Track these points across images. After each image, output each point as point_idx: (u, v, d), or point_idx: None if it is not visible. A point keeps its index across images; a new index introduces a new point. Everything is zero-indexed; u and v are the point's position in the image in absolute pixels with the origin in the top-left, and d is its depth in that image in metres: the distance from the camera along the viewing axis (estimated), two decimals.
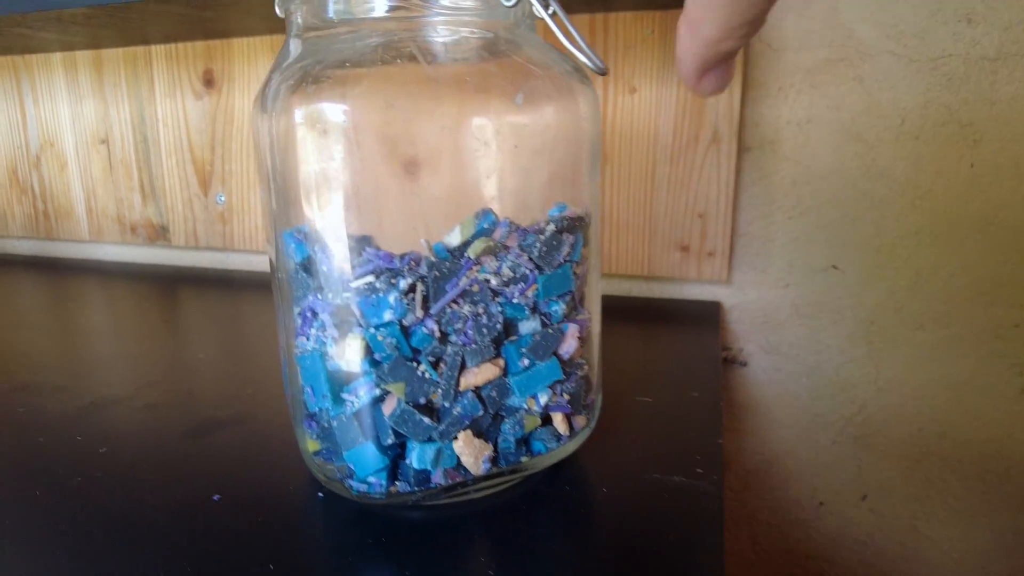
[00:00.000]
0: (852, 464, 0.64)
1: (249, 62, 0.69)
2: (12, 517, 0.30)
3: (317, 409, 0.28)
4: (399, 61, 0.25)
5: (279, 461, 0.34)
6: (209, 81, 0.71)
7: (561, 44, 0.26)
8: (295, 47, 0.27)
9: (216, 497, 0.31)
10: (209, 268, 0.78)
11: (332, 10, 0.26)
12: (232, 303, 0.66)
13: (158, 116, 0.74)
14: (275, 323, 0.31)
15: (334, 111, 0.25)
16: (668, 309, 0.61)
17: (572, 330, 0.30)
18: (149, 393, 0.44)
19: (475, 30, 0.27)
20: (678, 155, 0.59)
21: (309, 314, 0.27)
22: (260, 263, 0.77)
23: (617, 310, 0.60)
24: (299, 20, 0.27)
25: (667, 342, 0.53)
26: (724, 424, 0.44)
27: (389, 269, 0.26)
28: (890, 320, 0.60)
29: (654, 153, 0.59)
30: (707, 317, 0.59)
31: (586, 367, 0.32)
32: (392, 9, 0.25)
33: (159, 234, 0.78)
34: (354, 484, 0.28)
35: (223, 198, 0.73)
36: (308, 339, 0.27)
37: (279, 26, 0.61)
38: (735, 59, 0.21)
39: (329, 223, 0.26)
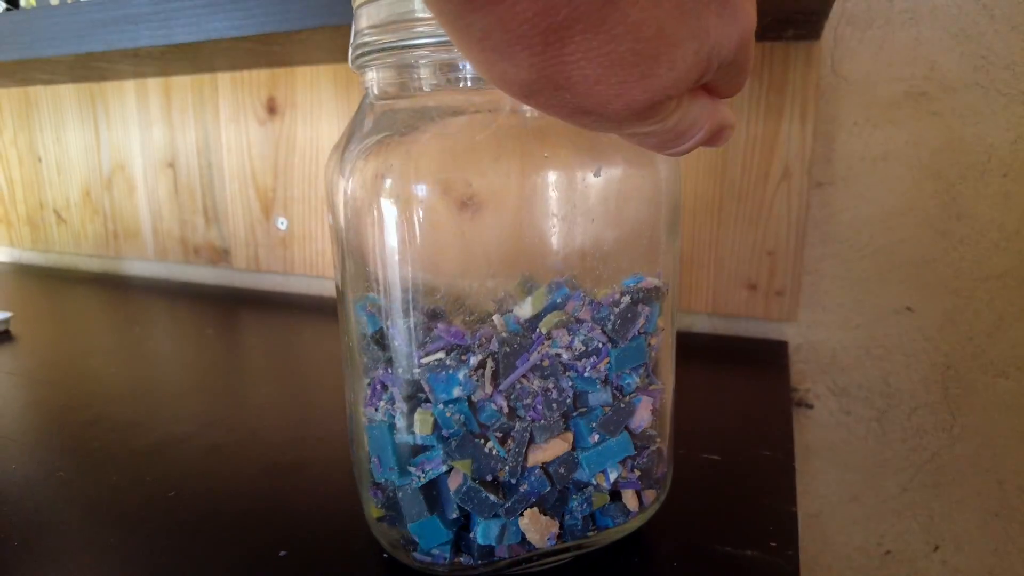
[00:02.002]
0: (923, 513, 0.61)
1: (312, 89, 0.69)
2: (86, 563, 0.30)
3: (383, 479, 0.28)
4: (478, 137, 0.24)
5: (343, 518, 0.34)
6: (272, 108, 0.72)
7: None
8: (374, 110, 0.27)
9: (282, 553, 0.31)
10: (270, 291, 0.79)
11: (415, 77, 0.26)
12: (293, 328, 0.67)
13: (222, 142, 0.75)
14: (337, 351, 0.30)
15: (411, 186, 0.25)
16: (733, 347, 0.59)
17: (645, 403, 0.29)
18: (213, 432, 0.44)
19: None
20: (747, 191, 0.57)
21: (379, 386, 0.27)
22: (320, 287, 0.78)
23: (680, 346, 0.59)
24: (375, 89, 0.27)
25: (734, 385, 0.51)
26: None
27: (459, 346, 0.25)
28: (968, 366, 0.57)
29: (722, 189, 0.57)
30: (774, 357, 0.57)
31: (659, 440, 0.30)
32: (477, 79, 0.25)
33: (221, 256, 0.80)
34: (417, 556, 0.28)
35: (284, 223, 0.74)
36: (377, 410, 0.27)
37: (342, 55, 0.61)
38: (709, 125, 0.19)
39: (401, 298, 0.25)
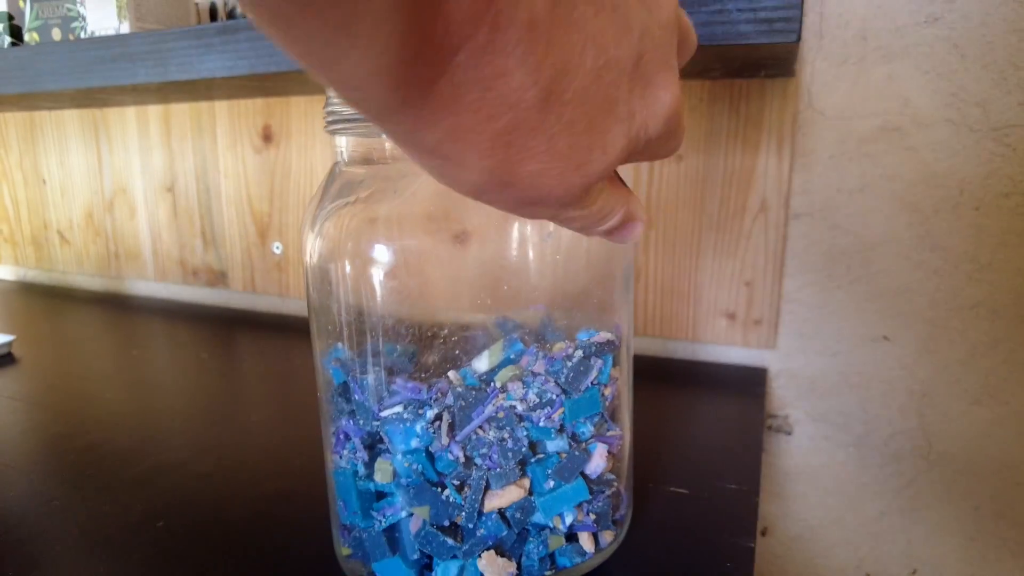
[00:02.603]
0: (901, 537, 0.62)
1: (306, 119, 0.71)
2: None
3: (348, 522, 0.29)
4: (431, 207, 0.26)
5: (319, 551, 0.35)
6: (268, 136, 0.74)
7: None
8: (342, 175, 0.29)
9: None
10: (265, 312, 0.81)
11: (378, 147, 0.27)
12: (287, 350, 0.69)
13: (220, 168, 0.77)
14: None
15: (369, 249, 0.26)
16: (711, 373, 0.61)
17: (600, 450, 0.30)
18: (204, 460, 0.46)
19: None
20: (725, 223, 0.58)
21: (343, 436, 0.28)
22: None
23: (660, 372, 0.60)
24: (344, 155, 0.28)
25: (708, 413, 0.52)
26: (764, 491, 0.43)
27: (417, 400, 0.27)
28: (943, 394, 0.58)
29: (700, 220, 0.59)
30: (752, 385, 0.58)
31: (616, 483, 0.32)
32: None
33: (218, 279, 0.82)
34: None
35: (280, 247, 0.76)
36: (341, 457, 0.29)
37: None
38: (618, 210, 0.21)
39: (362, 354, 0.27)
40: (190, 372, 0.64)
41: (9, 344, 0.68)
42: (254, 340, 0.73)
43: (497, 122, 0.15)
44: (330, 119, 0.28)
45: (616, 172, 0.24)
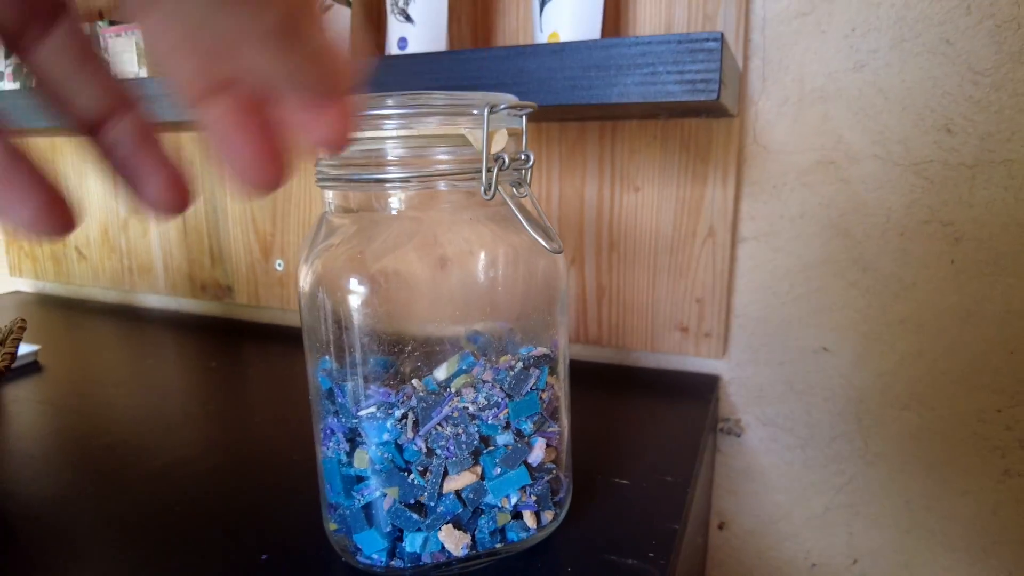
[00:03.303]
0: (843, 530, 0.69)
1: None
2: (101, 568, 0.39)
3: (334, 501, 0.36)
4: (402, 248, 0.33)
5: (314, 530, 0.42)
6: None
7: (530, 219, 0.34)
8: (329, 222, 0.36)
9: (264, 557, 0.40)
10: (268, 324, 0.88)
11: (358, 202, 0.34)
12: (286, 357, 0.76)
13: (226, 190, 0.85)
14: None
15: (346, 283, 0.33)
16: (669, 380, 0.67)
17: (540, 443, 0.37)
18: (212, 456, 0.53)
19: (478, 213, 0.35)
20: (677, 247, 0.65)
21: (329, 431, 0.35)
22: None
23: (620, 380, 0.67)
24: (331, 205, 0.35)
25: (659, 415, 0.59)
26: (721, 488, 0.49)
27: (387, 402, 0.34)
28: (877, 400, 0.65)
29: (656, 244, 0.65)
30: (705, 391, 0.64)
31: (555, 470, 0.38)
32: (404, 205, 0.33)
33: (225, 293, 0.89)
34: (360, 559, 0.36)
35: (281, 264, 0.83)
36: (328, 449, 0.35)
37: None
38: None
39: (344, 366, 0.34)
40: (199, 378, 0.70)
41: (35, 353, 0.75)
42: (257, 349, 0.79)
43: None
44: (319, 176, 0.34)
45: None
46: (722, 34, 0.43)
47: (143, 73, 0.65)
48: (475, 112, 0.32)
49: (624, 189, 0.65)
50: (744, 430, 0.70)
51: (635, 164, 0.65)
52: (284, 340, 0.81)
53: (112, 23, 0.71)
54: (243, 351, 0.79)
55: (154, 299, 0.99)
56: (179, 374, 0.72)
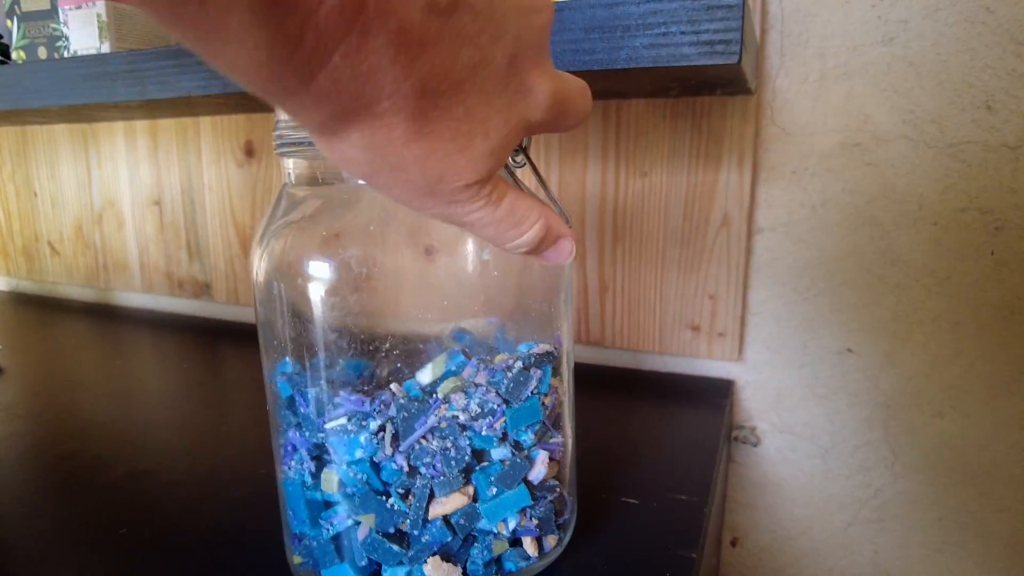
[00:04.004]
0: (868, 548, 0.63)
1: None
2: None
3: (298, 531, 0.31)
4: (371, 227, 0.27)
5: (272, 560, 0.36)
6: (249, 151, 0.75)
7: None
8: (289, 196, 0.30)
9: None
10: (248, 323, 0.83)
11: (321, 170, 0.29)
12: None
13: (204, 182, 0.79)
14: None
15: (308, 266, 0.27)
16: (679, 385, 0.62)
17: (542, 456, 0.31)
18: (175, 468, 0.47)
19: None
20: (689, 237, 0.60)
21: (291, 447, 0.30)
22: None
23: (627, 383, 0.61)
24: (291, 176, 0.30)
25: (669, 424, 0.54)
26: (734, 501, 0.44)
27: (360, 412, 0.28)
28: (907, 405, 0.59)
29: (664, 235, 0.60)
30: (718, 396, 0.59)
31: (559, 488, 0.33)
32: None
33: (203, 291, 0.83)
34: None
35: None
36: (289, 468, 0.30)
37: None
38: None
39: (307, 368, 0.28)
40: (171, 381, 0.65)
41: None
42: (236, 350, 0.74)
43: (377, 107, 0.17)
44: (278, 142, 0.29)
45: (524, 187, 0.26)
46: None
47: (105, 48, 0.60)
48: None
49: (630, 174, 0.60)
50: (760, 438, 0.64)
51: (642, 147, 0.59)
52: None
53: None
54: (219, 352, 0.73)
55: (130, 297, 0.94)
56: (149, 377, 0.66)
